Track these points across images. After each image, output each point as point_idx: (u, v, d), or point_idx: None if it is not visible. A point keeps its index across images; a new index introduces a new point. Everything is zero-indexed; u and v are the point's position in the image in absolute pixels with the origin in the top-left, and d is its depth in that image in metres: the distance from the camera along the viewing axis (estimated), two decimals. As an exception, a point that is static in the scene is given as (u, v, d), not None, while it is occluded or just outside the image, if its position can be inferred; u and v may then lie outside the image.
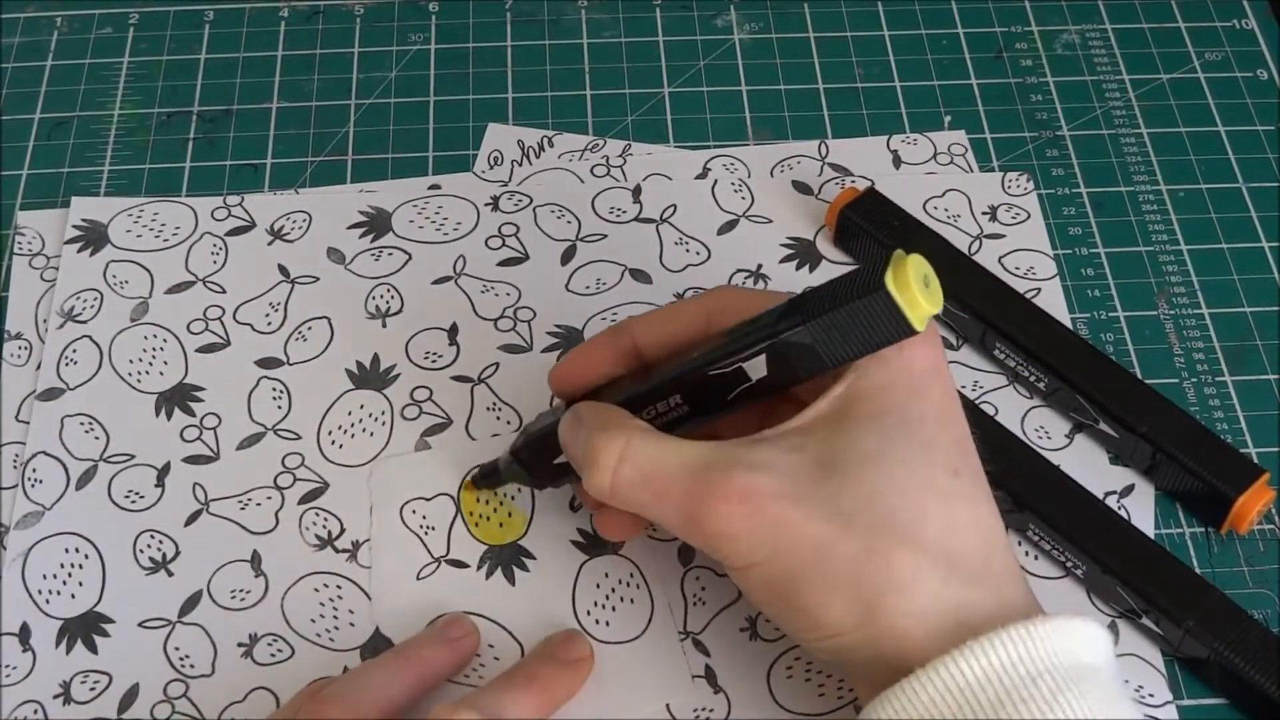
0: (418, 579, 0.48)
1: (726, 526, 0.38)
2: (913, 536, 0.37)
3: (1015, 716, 0.35)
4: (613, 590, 0.48)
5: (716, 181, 0.59)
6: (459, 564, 0.49)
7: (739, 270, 0.56)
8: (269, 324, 0.55)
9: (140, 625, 0.47)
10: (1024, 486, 0.49)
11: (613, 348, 0.45)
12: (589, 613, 0.47)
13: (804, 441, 0.39)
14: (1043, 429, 0.52)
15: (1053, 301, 0.56)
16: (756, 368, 0.40)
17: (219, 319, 0.55)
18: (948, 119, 0.62)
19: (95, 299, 0.55)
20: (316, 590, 0.48)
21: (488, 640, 0.47)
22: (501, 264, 0.57)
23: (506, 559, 0.49)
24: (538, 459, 0.46)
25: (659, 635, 0.47)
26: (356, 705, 0.42)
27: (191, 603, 0.48)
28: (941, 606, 0.37)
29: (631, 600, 0.48)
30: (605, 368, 0.45)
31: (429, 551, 0.49)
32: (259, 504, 0.50)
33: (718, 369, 0.41)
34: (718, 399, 0.41)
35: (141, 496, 0.50)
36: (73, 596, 0.48)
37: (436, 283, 0.56)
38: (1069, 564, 0.48)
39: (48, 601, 0.48)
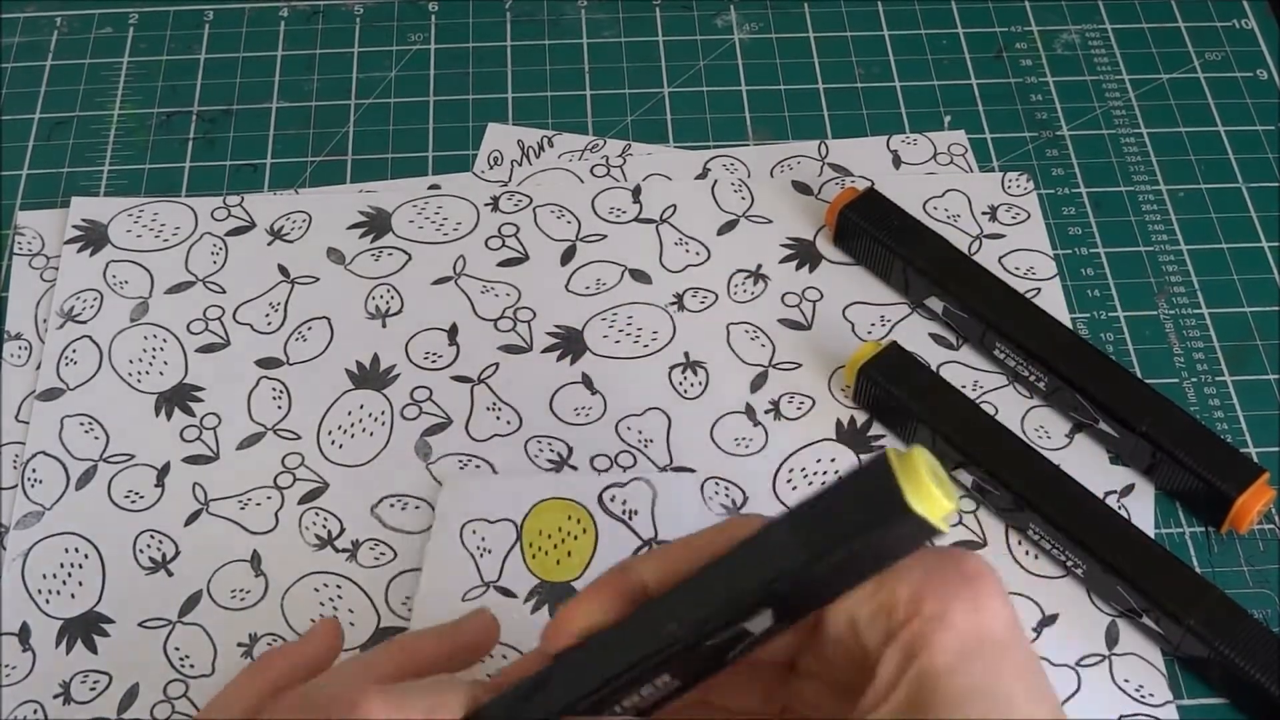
0: (463, 599, 0.48)
1: None
2: None
3: None
4: None
5: (716, 181, 0.59)
6: (507, 593, 0.48)
7: (739, 270, 0.56)
8: (269, 324, 0.55)
9: (140, 625, 0.47)
10: (1024, 486, 0.49)
11: (614, 592, 0.37)
12: None
13: None
14: (1043, 429, 0.52)
15: (1053, 301, 0.56)
16: (759, 621, 0.33)
17: (219, 319, 0.55)
18: (948, 119, 0.62)
19: (95, 299, 0.55)
20: (316, 590, 0.48)
21: None
22: (501, 264, 0.57)
23: (556, 597, 0.48)
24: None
25: None
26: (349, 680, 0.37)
27: (191, 603, 0.48)
28: None
29: None
30: (603, 616, 0.36)
31: (480, 574, 0.48)
32: (259, 504, 0.50)
33: (712, 639, 0.33)
34: (714, 663, 0.34)
35: (141, 496, 0.50)
36: (72, 596, 0.48)
37: (436, 283, 0.56)
38: (1069, 563, 0.48)
39: (47, 601, 0.48)
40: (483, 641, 0.40)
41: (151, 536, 0.49)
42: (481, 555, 0.49)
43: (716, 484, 0.51)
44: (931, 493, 0.31)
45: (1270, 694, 0.44)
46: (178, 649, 0.47)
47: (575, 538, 0.49)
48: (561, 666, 0.36)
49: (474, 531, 0.49)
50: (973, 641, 0.33)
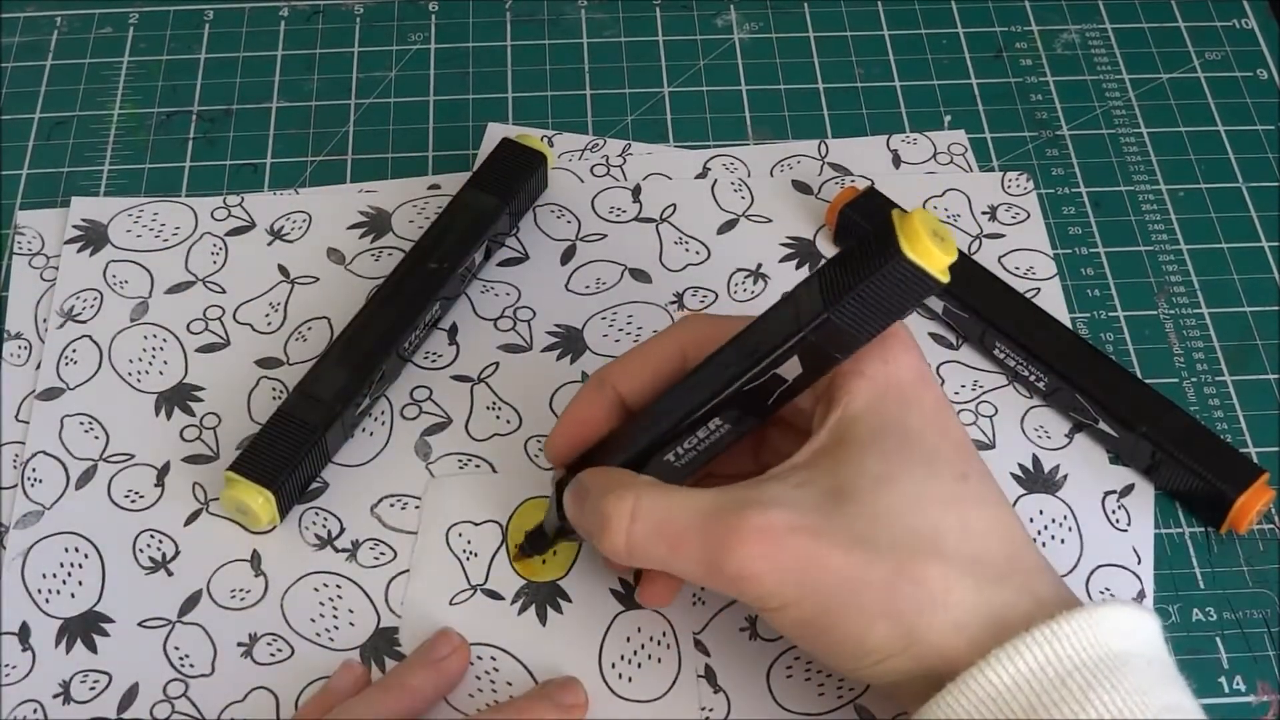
0: (450, 604, 0.48)
1: (749, 567, 0.38)
2: (937, 550, 0.37)
3: (1049, 718, 0.34)
4: (641, 647, 0.47)
5: (716, 181, 0.59)
6: (494, 595, 0.48)
7: (739, 270, 0.56)
8: (269, 324, 0.55)
9: (140, 625, 0.47)
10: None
11: (598, 403, 0.45)
12: (614, 665, 0.46)
13: (810, 475, 0.39)
14: (1042, 428, 0.52)
15: (1053, 301, 0.56)
16: (790, 368, 0.40)
17: (219, 319, 0.55)
18: (948, 119, 0.62)
19: (95, 299, 0.55)
20: (316, 590, 0.48)
21: (505, 678, 0.46)
22: (501, 264, 0.57)
23: (542, 597, 0.48)
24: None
25: (679, 701, 0.46)
26: None
27: (191, 602, 0.48)
28: (977, 613, 0.37)
29: (659, 660, 0.47)
30: (598, 426, 0.45)
31: (467, 578, 0.48)
32: (259, 504, 0.50)
33: (752, 383, 0.40)
34: (757, 407, 0.41)
35: (141, 496, 0.50)
36: (72, 596, 0.48)
37: (436, 282, 0.56)
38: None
39: (47, 601, 0.48)
40: (461, 669, 0.46)
41: (151, 536, 0.49)
42: (468, 558, 0.49)
43: None
44: (925, 243, 0.36)
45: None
46: (177, 649, 0.47)
47: None
48: (633, 418, 0.44)
49: (460, 534, 0.49)
50: (884, 388, 0.39)
